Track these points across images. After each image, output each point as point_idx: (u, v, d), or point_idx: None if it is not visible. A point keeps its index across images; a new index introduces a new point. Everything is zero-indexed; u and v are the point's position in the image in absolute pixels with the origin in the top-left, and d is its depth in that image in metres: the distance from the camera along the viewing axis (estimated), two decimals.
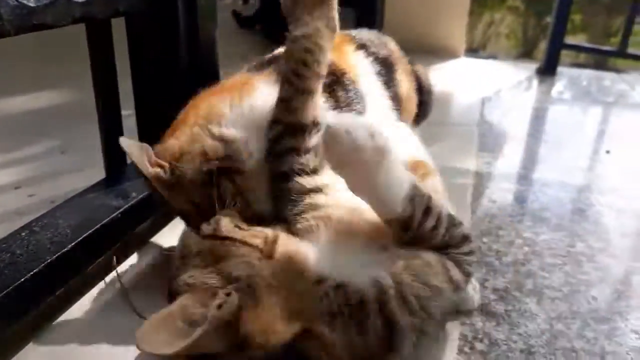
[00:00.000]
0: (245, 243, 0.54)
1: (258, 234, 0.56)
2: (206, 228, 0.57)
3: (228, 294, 0.49)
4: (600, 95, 2.16)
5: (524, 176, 1.25)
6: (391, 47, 0.99)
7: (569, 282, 0.84)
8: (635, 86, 2.32)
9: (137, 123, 0.93)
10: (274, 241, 0.55)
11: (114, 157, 0.89)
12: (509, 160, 1.34)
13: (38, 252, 0.64)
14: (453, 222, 0.60)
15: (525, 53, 4.87)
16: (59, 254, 0.64)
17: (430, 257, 0.57)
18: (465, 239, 0.61)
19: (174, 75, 0.88)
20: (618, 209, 1.10)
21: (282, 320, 0.51)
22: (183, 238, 0.58)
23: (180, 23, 0.83)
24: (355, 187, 0.56)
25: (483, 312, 0.75)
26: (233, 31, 2.60)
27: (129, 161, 0.91)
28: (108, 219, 0.73)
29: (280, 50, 0.78)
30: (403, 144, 0.77)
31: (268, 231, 0.57)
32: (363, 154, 0.53)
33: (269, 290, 0.51)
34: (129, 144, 0.70)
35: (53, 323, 0.67)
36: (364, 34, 0.95)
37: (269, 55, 0.83)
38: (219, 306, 0.48)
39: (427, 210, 0.57)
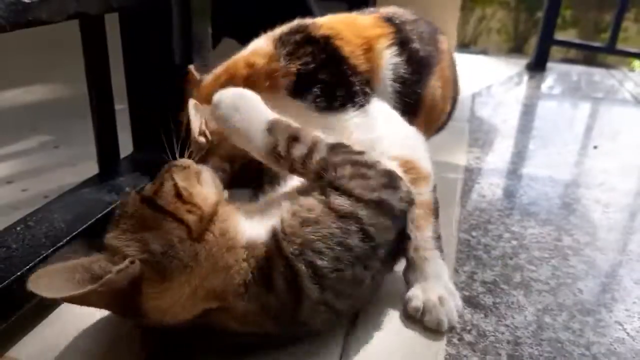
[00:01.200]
0: (176, 218, 0.52)
1: (195, 210, 0.53)
2: (148, 188, 0.55)
3: (132, 262, 0.49)
4: (589, 91, 2.19)
5: (513, 171, 1.27)
6: (441, 46, 0.94)
7: (556, 275, 0.86)
8: (624, 82, 2.35)
9: (130, 117, 0.93)
10: (210, 220, 0.54)
11: (107, 152, 0.89)
12: (498, 156, 1.36)
13: (34, 246, 0.65)
14: (366, 163, 0.61)
15: (516, 48, 4.89)
16: (54, 248, 0.65)
17: (310, 200, 0.58)
18: (387, 173, 0.62)
19: (167, 70, 0.88)
20: (604, 204, 1.12)
21: (190, 301, 0.52)
22: (129, 195, 0.56)
23: (173, 18, 0.84)
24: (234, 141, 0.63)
25: (472, 304, 0.77)
26: None
27: (122, 156, 0.92)
28: (102, 213, 0.74)
29: None
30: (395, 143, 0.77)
31: (213, 201, 0.55)
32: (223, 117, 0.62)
33: (182, 270, 0.51)
34: (194, 103, 0.75)
35: (49, 316, 0.67)
36: (416, 25, 0.91)
37: None
38: (119, 271, 0.48)
39: (293, 138, 0.61)
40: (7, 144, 1.20)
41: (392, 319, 0.69)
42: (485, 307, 0.77)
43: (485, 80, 2.16)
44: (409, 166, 0.73)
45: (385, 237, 0.59)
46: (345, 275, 0.56)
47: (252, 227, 0.57)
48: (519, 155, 1.39)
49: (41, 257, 0.63)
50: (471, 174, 1.22)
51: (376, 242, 0.58)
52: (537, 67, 2.44)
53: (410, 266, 0.70)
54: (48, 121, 1.34)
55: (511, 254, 0.91)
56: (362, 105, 0.79)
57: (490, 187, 1.16)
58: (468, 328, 0.72)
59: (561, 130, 1.62)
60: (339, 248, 0.55)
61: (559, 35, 2.57)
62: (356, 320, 0.68)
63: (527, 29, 4.88)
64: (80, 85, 0.85)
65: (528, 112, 1.85)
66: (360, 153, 0.63)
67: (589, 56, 3.80)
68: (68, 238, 0.67)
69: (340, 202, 0.57)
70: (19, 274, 0.60)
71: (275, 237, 0.55)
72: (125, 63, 0.89)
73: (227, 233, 0.55)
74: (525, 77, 2.33)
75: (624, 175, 1.28)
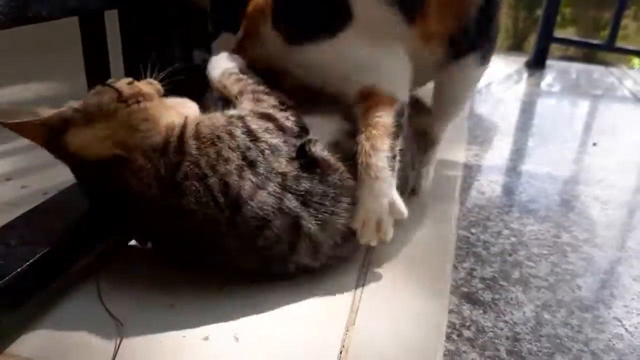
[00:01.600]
0: (115, 90, 0.68)
1: (133, 88, 0.70)
2: (110, 81, 0.71)
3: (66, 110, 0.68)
4: (588, 88, 2.19)
5: (512, 168, 1.27)
6: None
7: (555, 271, 0.86)
8: (623, 79, 2.35)
9: None
10: (140, 98, 0.69)
11: None
12: (497, 153, 1.36)
13: (33, 243, 0.65)
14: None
15: (515, 46, 4.89)
16: (53, 244, 0.65)
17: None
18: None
19: (166, 67, 0.88)
20: (603, 201, 1.12)
21: (104, 142, 0.67)
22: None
23: (171, 17, 0.84)
24: None
25: (471, 300, 0.77)
26: None
27: None
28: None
29: None
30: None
31: (148, 91, 0.71)
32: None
33: (104, 121, 0.67)
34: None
35: (50, 313, 0.67)
36: None
37: None
38: (58, 113, 0.68)
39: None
40: (6, 141, 1.20)
41: (390, 315, 0.70)
42: (485, 304, 0.77)
43: (485, 77, 2.15)
44: (366, 94, 0.76)
45: (271, 140, 0.69)
46: (220, 155, 0.67)
47: (177, 117, 0.71)
48: (518, 153, 1.39)
49: (40, 253, 0.63)
50: (470, 171, 1.22)
51: (258, 139, 0.69)
52: (536, 64, 2.44)
53: (360, 184, 0.72)
54: None
55: (510, 250, 0.91)
56: (333, 35, 0.76)
57: (490, 184, 1.16)
58: (467, 324, 0.73)
59: (560, 128, 1.62)
60: (223, 134, 0.68)
61: (559, 33, 2.58)
62: (354, 322, 0.68)
63: (527, 27, 4.88)
64: (79, 82, 0.85)
65: (527, 109, 1.85)
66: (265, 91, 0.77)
67: (589, 54, 3.80)
68: (68, 235, 0.67)
69: (233, 111, 0.73)
70: (18, 270, 0.60)
71: (184, 125, 0.69)
72: (125, 59, 0.89)
73: (150, 109, 0.69)
74: (525, 75, 2.33)
75: (623, 172, 1.28)
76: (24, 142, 1.19)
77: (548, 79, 2.31)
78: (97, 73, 0.83)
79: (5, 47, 1.10)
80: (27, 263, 0.61)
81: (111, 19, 0.84)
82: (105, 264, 0.77)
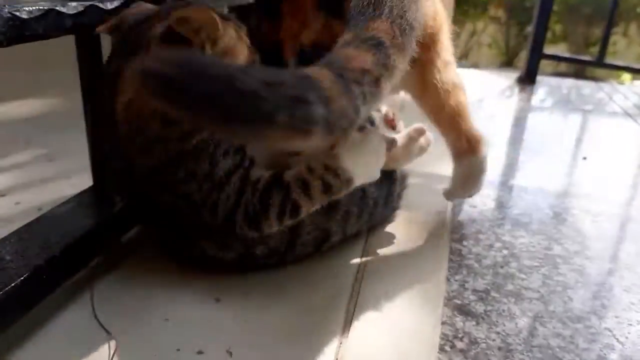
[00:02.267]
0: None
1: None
2: None
3: None
4: (579, 104, 2.22)
5: (504, 182, 1.29)
6: None
7: (546, 283, 0.87)
8: (612, 95, 2.38)
9: None
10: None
11: (102, 165, 0.90)
12: (489, 167, 1.37)
13: (28, 258, 0.65)
14: None
15: (507, 62, 4.96)
16: (48, 259, 0.66)
17: None
18: None
19: None
20: (594, 214, 1.13)
21: None
22: None
23: None
24: None
25: (463, 312, 0.78)
26: None
27: None
28: (96, 226, 0.74)
29: None
30: None
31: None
32: None
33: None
34: None
35: (45, 327, 0.68)
36: None
37: None
38: None
39: None
40: (1, 157, 1.20)
41: (383, 327, 0.70)
42: (477, 315, 0.78)
43: (477, 93, 2.19)
44: None
45: None
46: None
47: None
48: (510, 167, 1.41)
49: (35, 268, 0.64)
50: None
51: None
52: (527, 80, 2.47)
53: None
54: (42, 134, 1.35)
55: (502, 262, 0.92)
56: None
57: (482, 197, 1.17)
58: (460, 335, 0.73)
59: (551, 142, 1.64)
60: None
61: (550, 49, 2.62)
62: (351, 323, 0.69)
63: (518, 43, 4.94)
64: (74, 98, 0.86)
65: (519, 124, 1.88)
66: None
67: (579, 69, 3.86)
68: (62, 250, 0.68)
69: None
70: (13, 285, 0.61)
71: None
72: None
73: None
74: (516, 90, 2.36)
75: (613, 186, 1.30)
76: (18, 158, 1.20)
77: (539, 94, 2.34)
78: (92, 90, 0.84)
79: (1, 63, 1.11)
80: (22, 278, 0.62)
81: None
82: (99, 278, 0.77)
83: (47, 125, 1.41)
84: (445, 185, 1.04)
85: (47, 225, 0.74)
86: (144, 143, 0.69)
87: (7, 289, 0.60)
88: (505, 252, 0.95)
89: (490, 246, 0.97)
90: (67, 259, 0.69)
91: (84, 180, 0.91)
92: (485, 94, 2.20)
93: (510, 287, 0.85)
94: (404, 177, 0.98)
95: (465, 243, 0.97)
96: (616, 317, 0.80)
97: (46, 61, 1.47)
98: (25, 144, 1.29)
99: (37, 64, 1.69)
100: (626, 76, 3.66)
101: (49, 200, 1.01)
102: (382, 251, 0.89)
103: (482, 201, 1.16)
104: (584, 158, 1.49)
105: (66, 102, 1.58)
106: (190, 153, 0.68)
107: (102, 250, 0.79)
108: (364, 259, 0.86)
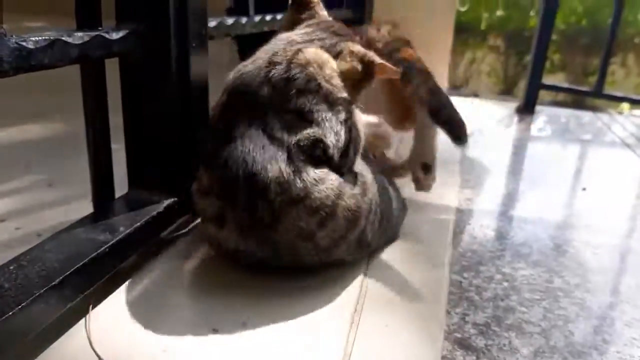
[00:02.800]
0: None
1: None
2: None
3: None
4: (578, 133, 2.24)
5: (504, 212, 1.29)
6: None
7: (547, 317, 0.86)
8: (611, 125, 2.40)
9: (126, 157, 0.95)
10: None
11: (102, 191, 0.90)
12: (489, 197, 1.38)
13: (26, 286, 0.65)
14: None
15: (506, 90, 5.00)
16: (47, 287, 0.65)
17: None
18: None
19: (165, 113, 0.90)
20: (594, 245, 1.13)
21: None
22: None
23: (172, 63, 0.86)
24: None
25: (463, 346, 0.77)
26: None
27: (117, 195, 0.93)
28: (95, 253, 0.74)
29: None
30: None
31: None
32: None
33: None
34: None
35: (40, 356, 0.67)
36: None
37: None
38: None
39: None
40: (1, 182, 1.21)
41: (384, 358, 0.69)
42: (477, 350, 0.77)
43: (476, 121, 2.20)
44: None
45: None
46: None
47: None
48: (510, 197, 1.41)
49: (34, 296, 0.63)
50: (462, 215, 1.23)
51: None
52: (526, 110, 2.49)
53: None
54: (42, 160, 1.35)
55: (502, 295, 0.91)
56: None
57: (482, 228, 1.18)
58: None
59: (551, 172, 1.65)
60: None
61: (548, 79, 2.65)
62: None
63: (517, 73, 5.00)
64: (74, 124, 0.87)
65: (518, 153, 1.89)
66: None
67: (578, 99, 3.89)
68: (61, 277, 0.67)
69: None
70: (10, 313, 0.60)
71: None
72: (124, 104, 0.91)
73: None
74: (515, 120, 2.38)
75: (613, 217, 1.30)
76: (18, 183, 1.20)
77: (538, 123, 2.36)
78: (95, 117, 0.85)
79: (1, 88, 1.12)
80: (19, 306, 0.61)
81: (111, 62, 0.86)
82: (96, 306, 0.77)
83: (48, 150, 1.42)
84: (447, 215, 1.04)
85: (47, 252, 0.74)
86: None
87: (4, 317, 0.59)
88: (505, 284, 0.95)
89: (491, 278, 0.96)
90: (65, 288, 0.68)
91: (84, 207, 0.91)
92: (484, 123, 2.22)
93: (511, 320, 0.84)
94: (404, 206, 0.98)
95: (465, 275, 0.97)
96: (617, 352, 0.79)
97: (48, 86, 1.48)
98: (26, 168, 1.29)
99: (39, 89, 1.70)
100: (625, 105, 3.68)
101: (48, 227, 1.00)
102: (381, 282, 0.88)
103: (483, 232, 1.16)
104: (584, 189, 1.50)
105: (68, 128, 1.59)
106: None
107: (101, 278, 0.78)
108: (363, 290, 0.85)
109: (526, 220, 1.24)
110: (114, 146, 0.90)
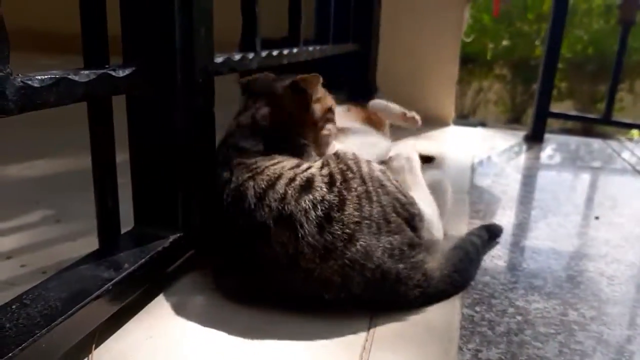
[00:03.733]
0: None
1: None
2: None
3: None
4: (588, 161, 2.22)
5: (515, 243, 1.26)
6: None
7: (563, 352, 0.83)
8: (621, 152, 2.38)
9: (132, 193, 0.94)
10: None
11: (108, 227, 0.90)
12: None
13: (28, 326, 0.64)
14: None
15: (514, 119, 5.01)
16: (49, 327, 0.64)
17: None
18: None
19: (171, 149, 0.90)
20: (609, 276, 1.10)
21: None
22: None
23: (178, 99, 0.87)
24: None
25: None
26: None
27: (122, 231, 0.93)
28: (98, 291, 0.73)
29: None
30: None
31: None
32: None
33: None
34: None
35: None
36: None
37: None
38: None
39: None
40: (9, 219, 1.21)
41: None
42: None
43: (485, 150, 2.19)
44: None
45: None
46: None
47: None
48: (521, 227, 1.39)
49: (35, 336, 0.62)
50: None
51: None
52: (534, 138, 2.48)
53: None
54: (51, 196, 1.36)
55: (516, 329, 0.89)
56: None
57: (493, 259, 1.15)
58: None
59: (562, 201, 1.63)
60: None
61: (556, 107, 2.65)
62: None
63: (524, 101, 5.01)
64: (85, 159, 0.87)
65: (528, 182, 1.87)
66: None
67: (586, 126, 3.88)
68: (63, 317, 0.66)
69: None
70: (10, 355, 0.59)
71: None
72: (131, 140, 0.91)
73: None
74: (524, 147, 2.37)
75: (627, 247, 1.27)
76: (27, 219, 1.21)
77: (547, 151, 2.34)
78: (101, 154, 0.86)
79: (8, 124, 1.13)
80: (19, 347, 0.60)
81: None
82: (99, 344, 0.75)
83: (57, 186, 1.43)
84: None
85: (50, 290, 0.73)
86: None
87: (4, 358, 0.58)
88: (519, 318, 0.92)
89: (504, 312, 0.94)
90: (67, 327, 0.67)
91: (90, 243, 0.91)
92: (493, 152, 2.21)
93: (525, 356, 0.81)
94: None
95: (477, 309, 0.94)
96: None
97: (58, 120, 1.50)
98: (34, 204, 1.29)
99: (50, 124, 1.73)
100: (635, 132, 3.67)
101: (54, 263, 1.00)
102: (391, 318, 0.86)
103: (494, 263, 1.14)
104: (597, 217, 1.47)
105: (78, 162, 1.60)
106: None
107: (104, 317, 0.77)
108: (372, 326, 0.83)
109: (538, 250, 1.22)
110: (121, 180, 0.90)
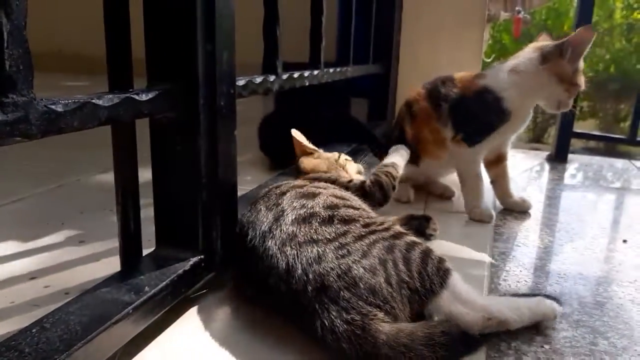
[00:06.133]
0: None
1: None
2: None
3: None
4: (612, 182, 2.17)
5: (541, 267, 1.23)
6: None
7: None
8: None
9: (154, 215, 0.95)
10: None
11: (130, 250, 0.90)
12: (524, 251, 1.33)
13: (47, 351, 0.64)
14: None
15: (535, 138, 4.95)
16: (68, 352, 0.64)
17: None
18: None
19: (193, 171, 0.90)
20: (639, 302, 1.07)
21: None
22: None
23: (200, 122, 0.87)
24: None
25: None
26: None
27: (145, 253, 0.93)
28: (119, 315, 0.73)
29: None
30: None
31: None
32: None
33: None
34: None
35: None
36: None
37: None
38: None
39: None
40: (36, 238, 1.22)
41: None
42: None
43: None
44: None
45: None
46: None
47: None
48: (546, 250, 1.36)
49: None
50: (497, 271, 1.18)
51: None
52: (558, 159, 2.44)
53: None
54: (77, 216, 1.38)
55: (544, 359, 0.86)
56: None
57: (518, 284, 1.12)
58: None
59: (587, 223, 1.59)
60: None
61: (579, 126, 2.61)
62: None
63: (545, 120, 4.95)
64: (110, 179, 0.88)
65: (552, 204, 1.83)
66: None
67: (610, 145, 3.81)
68: (82, 342, 0.66)
69: None
70: None
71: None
72: (154, 162, 0.92)
73: None
74: (547, 168, 2.33)
75: None
76: (52, 239, 1.22)
77: (571, 171, 2.30)
78: (125, 177, 0.86)
79: (39, 145, 1.15)
80: None
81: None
82: None
83: (82, 206, 1.44)
84: (480, 270, 0.99)
85: (71, 314, 0.73)
86: None
87: None
88: (546, 347, 0.89)
89: (531, 340, 0.91)
90: (87, 352, 0.67)
91: (113, 264, 0.91)
92: (515, 172, 2.17)
93: None
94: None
95: (503, 337, 0.91)
96: None
97: (86, 141, 1.52)
98: (60, 225, 1.31)
99: (77, 146, 1.75)
100: None
101: (77, 284, 1.01)
102: None
103: (518, 288, 1.11)
104: (624, 241, 1.43)
105: (104, 183, 1.62)
106: None
107: (124, 341, 0.77)
108: None
109: (565, 275, 1.18)
110: (144, 201, 0.90)
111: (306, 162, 1.24)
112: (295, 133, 1.28)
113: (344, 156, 1.31)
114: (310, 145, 1.28)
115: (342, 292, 0.77)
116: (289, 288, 0.81)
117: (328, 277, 0.79)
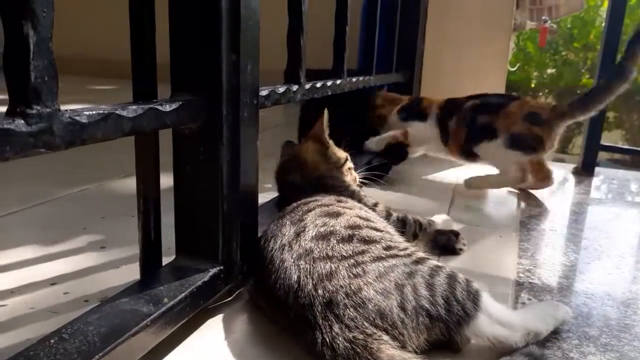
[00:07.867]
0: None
1: None
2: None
3: None
4: None
5: (566, 287, 1.20)
6: None
7: None
8: None
9: (175, 225, 0.94)
10: None
11: (150, 260, 0.90)
12: (550, 268, 1.29)
13: None
14: None
15: (560, 149, 4.87)
16: None
17: None
18: None
19: (215, 182, 0.90)
20: None
21: None
22: None
23: (223, 133, 0.86)
24: None
25: None
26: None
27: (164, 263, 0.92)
28: (137, 326, 0.72)
29: None
30: None
31: None
32: None
33: None
34: None
35: None
36: None
37: None
38: None
39: None
40: (57, 243, 1.23)
41: None
42: None
43: None
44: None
45: None
46: None
47: None
48: (572, 269, 1.32)
49: None
50: (521, 289, 1.15)
51: None
52: (584, 172, 2.39)
53: None
54: (99, 222, 1.38)
55: None
56: None
57: None
58: None
59: (615, 241, 1.54)
60: None
61: (605, 137, 2.53)
62: None
63: (570, 130, 4.88)
64: (132, 185, 0.88)
65: (578, 220, 1.79)
66: None
67: (637, 158, 3.72)
68: (100, 354, 0.65)
69: None
70: None
71: None
72: (176, 172, 0.91)
73: None
74: (573, 181, 2.28)
75: None
76: (74, 244, 1.22)
77: (597, 185, 2.25)
78: (147, 186, 0.86)
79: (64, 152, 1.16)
80: None
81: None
82: None
83: (104, 211, 1.45)
84: (505, 288, 0.97)
85: (89, 325, 0.72)
86: None
87: None
88: None
89: None
90: None
91: (132, 270, 0.91)
92: None
93: None
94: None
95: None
96: None
97: (110, 145, 1.53)
98: (82, 230, 1.31)
99: (100, 150, 1.77)
100: None
101: (96, 291, 1.01)
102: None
103: None
104: None
105: (127, 188, 1.63)
106: None
107: (142, 353, 0.76)
108: None
109: (592, 296, 1.15)
110: (164, 206, 0.90)
111: (304, 150, 1.27)
112: (325, 113, 1.28)
113: (350, 163, 1.31)
114: (327, 132, 1.27)
115: (348, 310, 0.76)
116: (297, 301, 0.80)
117: (336, 294, 0.78)
